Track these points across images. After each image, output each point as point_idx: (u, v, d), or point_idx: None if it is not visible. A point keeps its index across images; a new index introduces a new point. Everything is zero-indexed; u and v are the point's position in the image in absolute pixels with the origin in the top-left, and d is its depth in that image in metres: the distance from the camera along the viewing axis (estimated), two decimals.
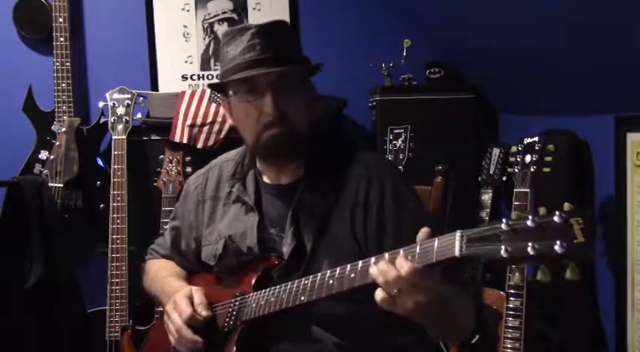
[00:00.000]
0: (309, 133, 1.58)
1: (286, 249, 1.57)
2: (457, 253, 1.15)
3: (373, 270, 1.26)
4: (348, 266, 1.35)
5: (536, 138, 2.28)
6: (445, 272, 1.38)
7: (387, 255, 1.28)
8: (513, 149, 2.36)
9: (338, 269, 1.37)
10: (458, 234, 1.17)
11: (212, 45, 3.33)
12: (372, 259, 1.30)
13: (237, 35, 1.54)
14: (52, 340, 2.70)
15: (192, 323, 1.57)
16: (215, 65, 3.32)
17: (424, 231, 1.25)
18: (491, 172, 2.71)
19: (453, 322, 1.40)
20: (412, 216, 1.53)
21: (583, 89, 2.33)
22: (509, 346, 2.24)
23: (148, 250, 1.94)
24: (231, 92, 1.59)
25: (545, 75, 2.52)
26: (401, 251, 1.25)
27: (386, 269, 1.23)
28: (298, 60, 1.58)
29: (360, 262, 1.33)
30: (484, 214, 2.69)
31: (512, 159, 2.36)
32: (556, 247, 1.03)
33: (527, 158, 2.27)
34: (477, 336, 2.31)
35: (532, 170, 2.25)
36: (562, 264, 1.05)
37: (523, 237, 1.07)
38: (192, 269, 1.80)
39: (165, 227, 2.55)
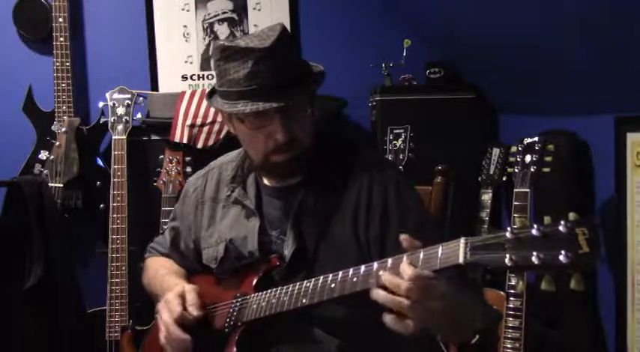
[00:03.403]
0: (313, 143, 1.57)
1: (287, 251, 1.56)
2: (461, 260, 1.15)
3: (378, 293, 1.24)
4: (351, 270, 1.34)
5: (536, 138, 2.28)
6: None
7: (390, 260, 1.27)
8: (513, 149, 2.36)
9: (340, 272, 1.36)
10: (462, 241, 1.16)
11: (212, 45, 3.33)
12: (375, 264, 1.30)
13: (238, 56, 1.46)
14: (52, 340, 2.69)
15: (182, 322, 1.56)
16: None
17: (404, 238, 1.25)
18: (491, 172, 2.71)
19: (463, 322, 1.40)
20: (415, 219, 1.53)
21: (583, 89, 2.33)
22: (509, 346, 2.24)
23: (147, 248, 1.94)
24: (235, 118, 1.55)
25: (545, 75, 2.52)
26: (404, 257, 1.24)
27: (390, 279, 1.22)
28: (302, 75, 1.53)
29: (363, 266, 1.32)
30: (484, 214, 2.69)
31: (512, 159, 2.35)
32: (561, 257, 1.03)
33: (527, 158, 2.27)
34: (477, 336, 2.31)
35: (532, 170, 2.25)
36: (567, 275, 1.05)
37: (528, 246, 1.07)
38: (192, 268, 1.80)
39: (165, 227, 2.55)
